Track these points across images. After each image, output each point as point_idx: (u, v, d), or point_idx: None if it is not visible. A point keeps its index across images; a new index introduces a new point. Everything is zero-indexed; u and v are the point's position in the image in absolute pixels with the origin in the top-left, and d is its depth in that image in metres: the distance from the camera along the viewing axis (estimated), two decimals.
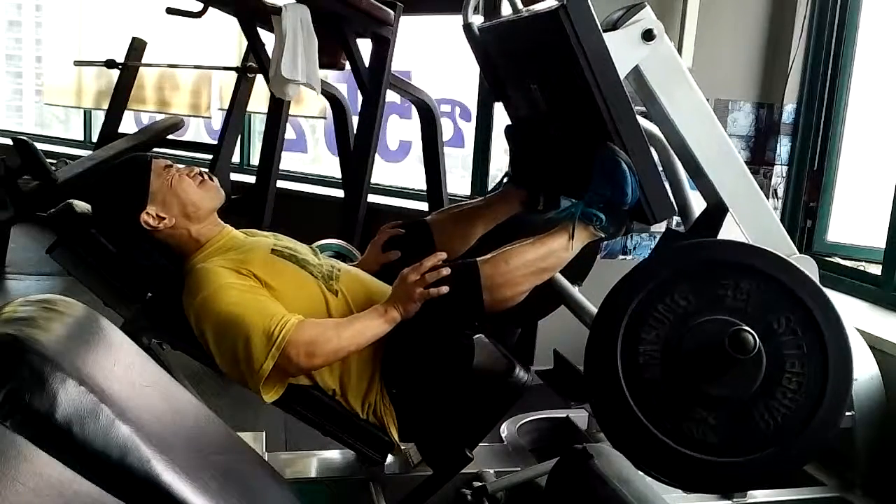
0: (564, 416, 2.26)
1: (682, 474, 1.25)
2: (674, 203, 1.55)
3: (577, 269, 2.05)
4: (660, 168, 1.59)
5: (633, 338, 1.28)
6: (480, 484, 1.72)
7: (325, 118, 4.51)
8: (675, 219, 1.83)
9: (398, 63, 3.15)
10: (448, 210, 1.87)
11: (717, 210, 1.61)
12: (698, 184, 1.66)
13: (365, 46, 3.06)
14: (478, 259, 1.49)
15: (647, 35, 1.49)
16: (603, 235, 1.54)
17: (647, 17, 1.49)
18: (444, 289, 1.43)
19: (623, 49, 1.46)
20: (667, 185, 1.59)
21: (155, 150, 4.61)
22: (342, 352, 1.41)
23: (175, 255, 1.56)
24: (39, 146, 3.93)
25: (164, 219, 1.50)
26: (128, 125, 4.95)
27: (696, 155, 1.58)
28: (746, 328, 1.14)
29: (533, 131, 1.80)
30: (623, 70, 1.46)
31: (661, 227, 1.92)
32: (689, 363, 1.24)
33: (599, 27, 1.40)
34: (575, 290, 1.95)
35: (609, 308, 1.34)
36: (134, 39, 4.66)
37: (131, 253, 1.54)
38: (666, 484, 1.36)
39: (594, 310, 1.54)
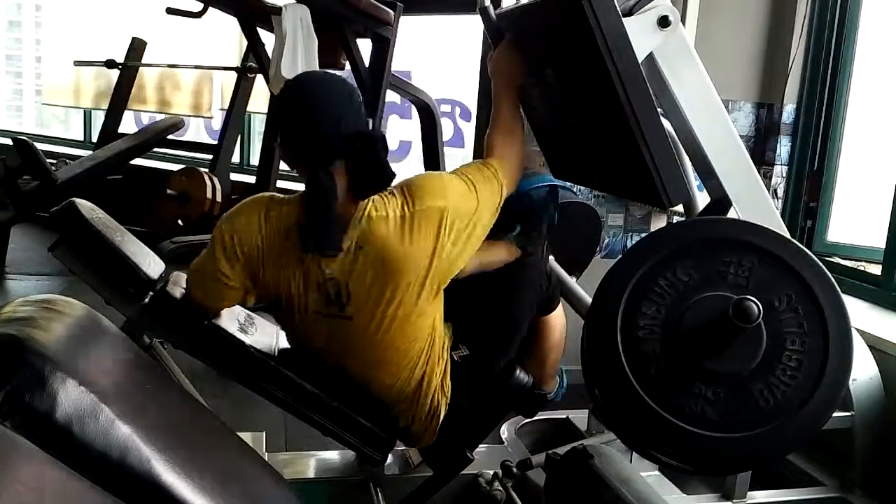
0: (564, 416, 2.26)
1: (675, 447, 1.22)
2: (689, 187, 1.53)
3: (576, 259, 2.06)
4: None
5: (634, 311, 1.27)
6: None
7: None
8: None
9: (398, 63, 3.14)
10: None
11: (720, 204, 1.60)
12: (703, 177, 1.63)
13: (365, 46, 3.07)
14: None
15: (663, 21, 1.45)
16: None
17: (663, 3, 1.45)
18: None
19: (638, 35, 1.42)
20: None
21: (155, 150, 4.62)
22: None
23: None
24: (39, 146, 3.92)
25: None
26: (128, 125, 4.95)
27: (703, 147, 1.56)
28: (750, 297, 1.13)
29: (546, 119, 1.79)
30: (638, 56, 1.42)
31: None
32: (689, 338, 1.23)
33: (619, 10, 1.38)
34: (573, 282, 1.95)
35: (611, 281, 1.34)
36: (134, 39, 4.66)
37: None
38: (653, 459, 1.36)
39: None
